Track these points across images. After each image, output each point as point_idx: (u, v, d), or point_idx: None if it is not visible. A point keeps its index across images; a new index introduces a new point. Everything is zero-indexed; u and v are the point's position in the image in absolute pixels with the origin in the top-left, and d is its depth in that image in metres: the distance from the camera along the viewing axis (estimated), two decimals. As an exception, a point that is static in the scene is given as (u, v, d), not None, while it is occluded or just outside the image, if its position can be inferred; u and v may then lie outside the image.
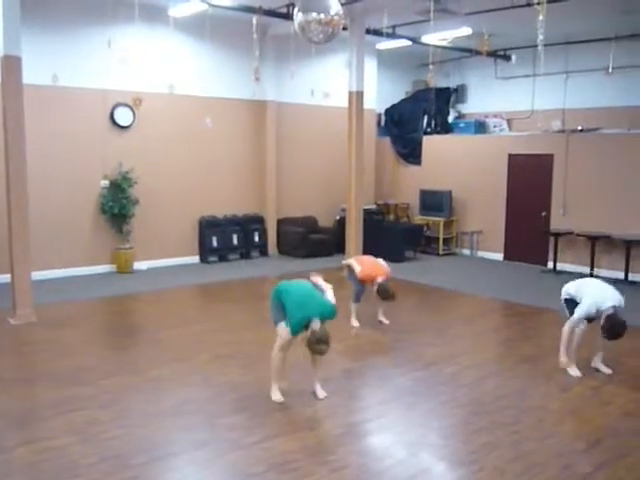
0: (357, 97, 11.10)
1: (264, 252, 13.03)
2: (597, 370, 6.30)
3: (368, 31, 11.33)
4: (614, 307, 5.86)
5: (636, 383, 6.05)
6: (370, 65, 13.51)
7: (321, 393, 5.57)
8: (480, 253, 13.33)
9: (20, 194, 7.83)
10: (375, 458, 4.56)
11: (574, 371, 6.18)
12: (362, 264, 7.83)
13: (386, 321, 8.06)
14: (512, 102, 13.56)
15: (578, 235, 11.39)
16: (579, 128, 11.70)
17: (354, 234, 11.31)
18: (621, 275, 10.78)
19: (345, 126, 11.32)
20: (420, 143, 14.17)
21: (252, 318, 8.30)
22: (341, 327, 7.79)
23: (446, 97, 14.59)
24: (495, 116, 13.80)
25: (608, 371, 6.27)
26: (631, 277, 10.72)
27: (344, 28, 9.65)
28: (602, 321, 5.82)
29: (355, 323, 8.02)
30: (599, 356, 6.35)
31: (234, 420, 5.09)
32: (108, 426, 4.94)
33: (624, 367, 6.46)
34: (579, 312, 5.99)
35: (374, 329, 7.86)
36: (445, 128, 14.44)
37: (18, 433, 4.86)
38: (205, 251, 12.21)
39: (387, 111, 15.05)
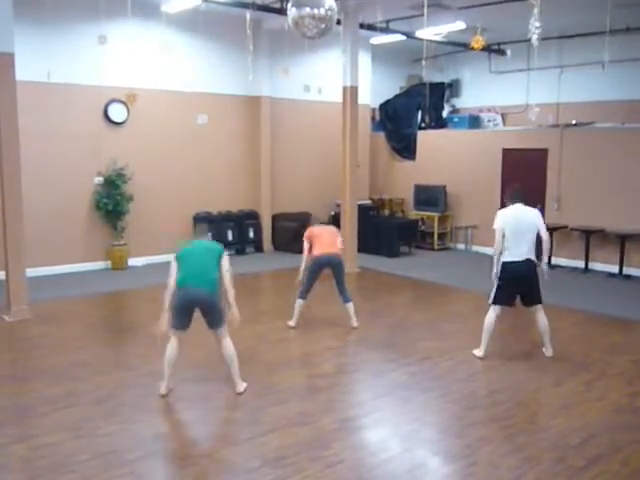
0: (351, 92, 11.08)
1: (259, 248, 13.03)
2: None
3: (362, 26, 11.30)
4: None
5: (629, 378, 6.07)
6: (364, 60, 13.48)
7: (241, 386, 5.56)
8: (475, 248, 13.33)
9: (14, 191, 7.81)
10: (370, 453, 4.58)
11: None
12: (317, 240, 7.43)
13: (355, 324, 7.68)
14: (506, 96, 13.57)
15: (572, 229, 11.42)
16: (573, 122, 11.71)
17: (349, 229, 11.29)
18: (616, 269, 10.81)
19: (339, 121, 11.29)
20: (415, 138, 14.15)
21: (246, 314, 8.28)
22: (336, 324, 7.82)
23: (440, 92, 14.57)
24: (489, 110, 13.81)
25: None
26: (625, 271, 10.74)
27: (338, 23, 9.69)
28: None
29: (292, 323, 7.61)
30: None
31: (228, 415, 5.11)
32: (103, 422, 4.95)
33: (617, 362, 6.48)
34: None
35: (368, 325, 7.86)
36: (439, 123, 14.43)
37: (14, 429, 4.87)
38: (200, 247, 12.17)
39: (381, 106, 15.03)
